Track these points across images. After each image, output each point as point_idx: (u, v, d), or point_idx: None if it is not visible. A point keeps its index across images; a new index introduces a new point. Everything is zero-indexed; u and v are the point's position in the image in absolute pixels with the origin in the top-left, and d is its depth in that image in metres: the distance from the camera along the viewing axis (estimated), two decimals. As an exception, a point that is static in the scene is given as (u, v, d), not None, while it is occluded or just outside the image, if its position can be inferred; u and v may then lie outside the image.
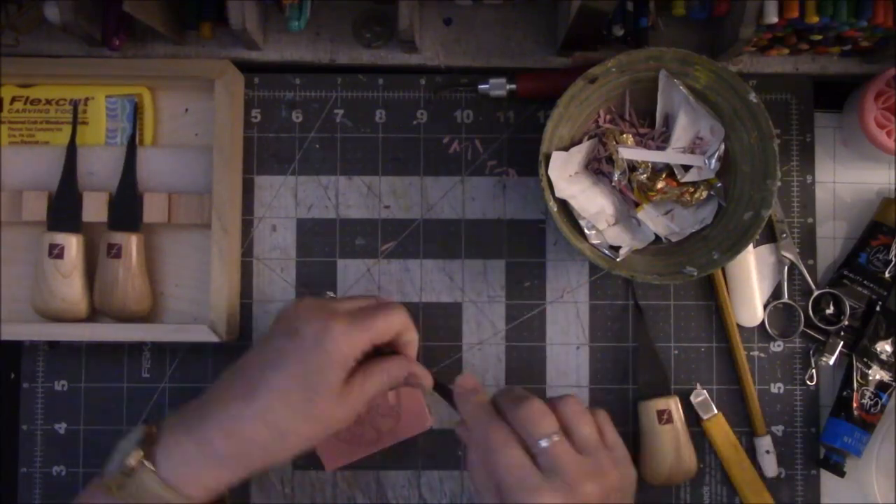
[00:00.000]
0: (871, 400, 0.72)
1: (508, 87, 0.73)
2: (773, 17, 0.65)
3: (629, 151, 0.70)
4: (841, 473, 0.71)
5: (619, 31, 0.71)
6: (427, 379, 0.64)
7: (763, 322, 0.73)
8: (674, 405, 0.71)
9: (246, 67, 0.74)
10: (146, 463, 0.57)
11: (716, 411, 0.72)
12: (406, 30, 0.68)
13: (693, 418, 0.72)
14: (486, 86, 0.73)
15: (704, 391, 0.72)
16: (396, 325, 0.62)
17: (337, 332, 0.58)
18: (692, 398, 0.72)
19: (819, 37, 0.69)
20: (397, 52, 0.74)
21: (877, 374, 0.72)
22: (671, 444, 0.70)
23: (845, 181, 0.76)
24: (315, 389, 0.58)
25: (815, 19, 0.65)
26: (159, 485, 0.57)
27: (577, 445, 0.61)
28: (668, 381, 0.72)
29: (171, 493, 0.57)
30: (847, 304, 0.73)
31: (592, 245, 0.69)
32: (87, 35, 0.69)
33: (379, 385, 0.62)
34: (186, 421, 0.59)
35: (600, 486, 0.59)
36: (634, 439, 0.72)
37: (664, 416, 0.70)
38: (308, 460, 0.72)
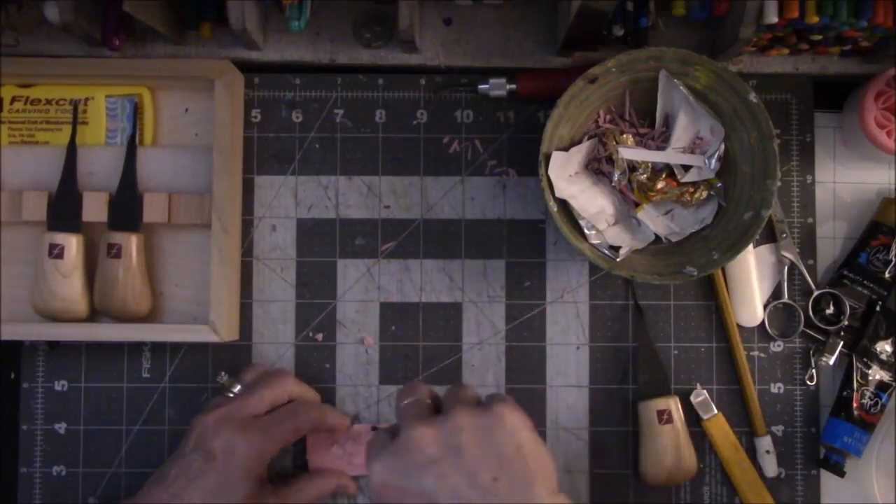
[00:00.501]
0: (871, 400, 0.72)
1: (508, 87, 0.73)
2: (773, 17, 0.64)
3: (629, 151, 0.69)
4: (841, 473, 0.71)
5: (619, 31, 0.71)
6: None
7: (763, 322, 0.73)
8: (674, 405, 0.71)
9: (246, 67, 0.74)
10: None
11: (716, 411, 0.72)
12: (406, 30, 0.68)
13: (693, 418, 0.72)
14: (486, 86, 0.73)
15: (704, 391, 0.72)
16: (307, 424, 0.68)
17: (244, 449, 0.64)
18: (692, 398, 0.72)
19: (819, 37, 0.69)
20: (397, 52, 0.74)
21: (877, 374, 0.72)
22: (671, 444, 0.70)
23: (845, 181, 0.75)
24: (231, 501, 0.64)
25: (815, 19, 0.65)
26: None
27: (442, 408, 0.58)
28: (668, 381, 0.72)
29: None
30: (847, 304, 0.73)
31: (592, 245, 0.69)
32: (87, 35, 0.69)
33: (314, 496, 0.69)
34: None
35: (439, 431, 0.54)
36: (634, 439, 0.72)
37: (664, 416, 0.70)
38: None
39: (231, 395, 0.68)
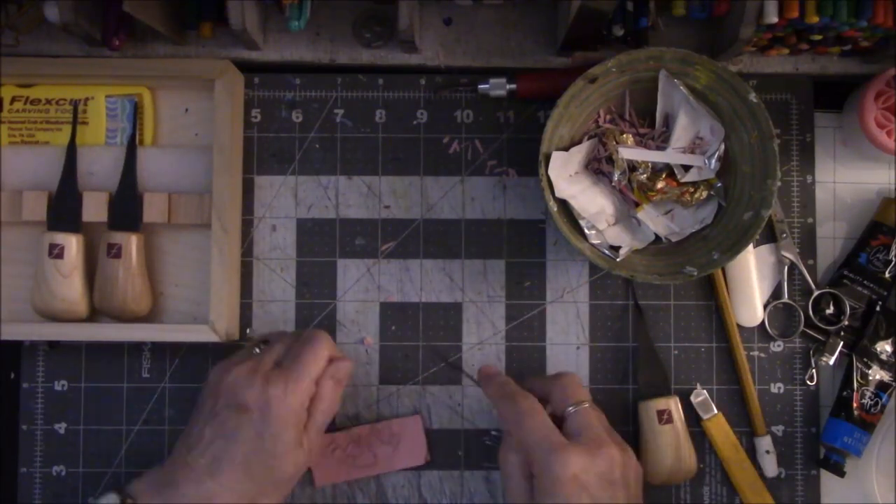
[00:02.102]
0: (871, 400, 0.72)
1: (508, 87, 0.73)
2: (773, 17, 0.64)
3: (629, 151, 0.69)
4: (841, 473, 0.71)
5: (619, 31, 0.71)
6: (344, 370, 0.67)
7: (763, 322, 0.73)
8: (674, 405, 0.71)
9: (246, 67, 0.74)
10: None
11: (716, 411, 0.72)
12: (406, 30, 0.68)
13: (693, 418, 0.72)
14: (486, 86, 0.73)
15: (704, 391, 0.72)
16: (323, 355, 0.66)
17: (278, 397, 0.62)
18: (692, 398, 0.72)
19: (819, 37, 0.69)
20: (397, 52, 0.74)
21: (877, 374, 0.72)
22: (671, 444, 0.70)
23: (845, 181, 0.75)
24: (274, 454, 0.62)
25: (815, 19, 0.64)
26: None
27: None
28: (668, 380, 0.72)
29: None
30: (847, 304, 0.73)
31: (592, 245, 0.69)
32: (87, 35, 0.69)
33: (323, 419, 0.66)
34: (160, 491, 0.62)
35: (621, 455, 0.62)
36: (634, 439, 0.72)
37: (664, 416, 0.70)
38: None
39: (256, 351, 0.67)
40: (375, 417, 0.73)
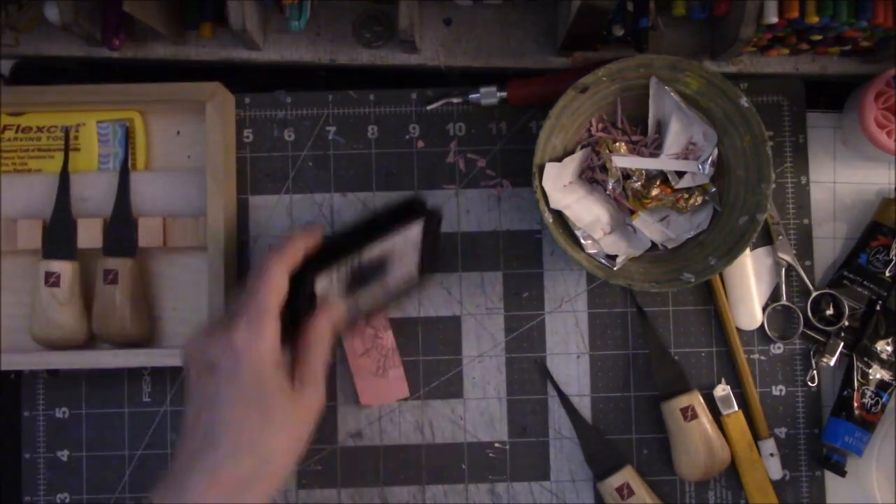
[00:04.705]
0: (872, 399, 0.72)
1: (499, 94, 0.73)
2: (773, 17, 0.64)
3: (623, 159, 0.69)
4: (842, 473, 0.71)
5: (619, 31, 0.70)
6: (337, 313, 0.63)
7: (762, 325, 0.73)
8: (696, 400, 0.70)
9: (246, 68, 0.74)
10: None
11: (736, 408, 0.72)
12: (406, 30, 0.68)
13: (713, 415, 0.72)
14: (477, 95, 0.73)
15: (728, 387, 0.72)
16: (278, 282, 0.58)
17: (242, 340, 0.56)
18: (715, 392, 0.72)
19: (819, 37, 0.68)
20: (397, 52, 0.74)
21: (877, 373, 0.72)
22: (701, 440, 0.70)
23: (845, 181, 0.75)
24: (264, 399, 0.56)
25: (815, 19, 0.64)
26: None
27: None
28: (684, 376, 0.72)
29: None
30: (846, 304, 0.72)
31: (589, 255, 0.68)
32: (87, 35, 0.69)
33: (320, 362, 0.61)
34: (172, 488, 0.56)
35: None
36: (664, 441, 0.72)
37: (688, 413, 0.70)
38: (313, 479, 0.72)
39: None
40: (378, 434, 0.73)
